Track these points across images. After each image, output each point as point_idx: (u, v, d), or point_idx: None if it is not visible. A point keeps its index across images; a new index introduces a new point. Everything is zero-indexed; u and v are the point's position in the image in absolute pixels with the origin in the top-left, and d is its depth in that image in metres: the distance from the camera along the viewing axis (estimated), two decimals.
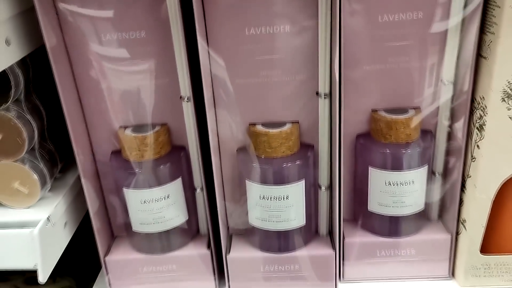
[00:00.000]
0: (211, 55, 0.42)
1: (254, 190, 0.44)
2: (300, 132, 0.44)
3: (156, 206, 0.45)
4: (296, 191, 0.44)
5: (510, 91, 0.38)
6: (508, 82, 0.38)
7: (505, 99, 0.39)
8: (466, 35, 0.40)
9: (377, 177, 0.45)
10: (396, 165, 0.44)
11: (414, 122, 0.43)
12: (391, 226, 0.47)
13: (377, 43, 0.42)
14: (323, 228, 0.48)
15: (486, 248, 0.46)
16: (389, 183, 0.44)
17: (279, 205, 0.44)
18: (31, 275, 0.52)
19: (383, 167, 0.44)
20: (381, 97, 0.44)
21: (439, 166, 0.46)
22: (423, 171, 0.44)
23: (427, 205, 0.47)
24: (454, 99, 0.43)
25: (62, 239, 0.46)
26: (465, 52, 0.40)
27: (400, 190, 0.44)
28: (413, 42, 0.41)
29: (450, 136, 0.45)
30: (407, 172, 0.44)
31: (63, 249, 0.46)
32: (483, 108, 0.40)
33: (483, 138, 0.41)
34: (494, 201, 0.43)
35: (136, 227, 0.47)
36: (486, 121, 0.40)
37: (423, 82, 0.43)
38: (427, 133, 0.45)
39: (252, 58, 0.42)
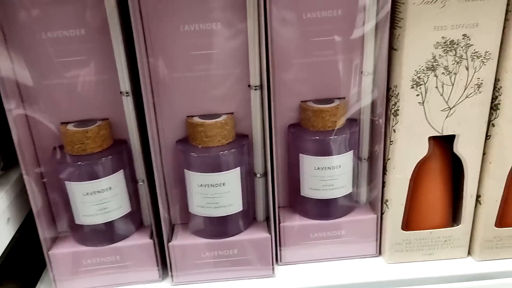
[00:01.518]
0: (148, 50, 0.44)
1: (193, 178, 0.47)
2: (235, 122, 0.47)
3: (98, 197, 0.47)
4: (232, 178, 0.47)
5: (417, 79, 0.43)
6: (416, 71, 0.43)
7: (414, 86, 0.43)
8: (380, 30, 0.44)
9: (307, 163, 0.48)
10: (324, 151, 0.48)
11: (339, 111, 0.47)
12: (323, 209, 0.51)
13: (303, 39, 0.46)
14: (260, 213, 0.52)
15: (409, 225, 0.50)
16: (318, 168, 0.48)
17: (217, 191, 0.47)
18: None
19: (312, 153, 0.48)
20: (310, 89, 0.48)
21: (364, 152, 0.50)
22: (349, 156, 0.49)
23: (356, 189, 0.52)
24: (374, 89, 0.47)
25: (5, 234, 0.47)
26: (381, 45, 0.45)
27: (329, 174, 0.48)
28: (336, 38, 0.46)
29: (373, 123, 0.49)
30: (334, 157, 0.48)
31: (6, 245, 0.47)
32: (397, 95, 0.44)
33: (398, 122, 0.45)
34: (413, 181, 0.48)
35: (79, 219, 0.48)
36: (399, 107, 0.44)
37: (347, 74, 0.48)
38: (352, 121, 0.49)
39: (187, 53, 0.45)
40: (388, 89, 0.46)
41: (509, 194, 0.48)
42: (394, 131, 0.46)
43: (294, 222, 0.51)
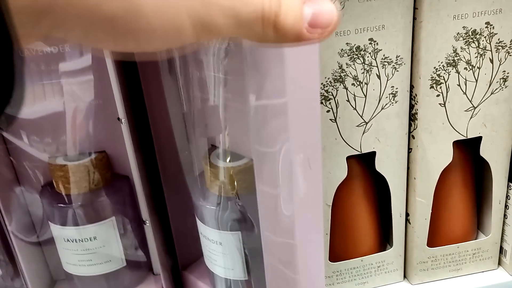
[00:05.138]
0: None
1: (58, 232, 0.39)
2: (111, 162, 0.40)
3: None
4: (106, 229, 0.39)
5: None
6: (322, 84, 0.37)
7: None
8: None
9: None
10: None
11: None
12: None
13: None
14: (156, 265, 0.44)
15: (337, 255, 0.45)
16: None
17: (87, 247, 0.39)
18: None
19: None
20: None
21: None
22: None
23: None
24: None
25: None
26: None
27: None
28: None
29: None
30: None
31: None
32: None
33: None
34: (335, 206, 0.42)
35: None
36: None
37: None
38: None
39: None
40: None
41: (439, 210, 0.44)
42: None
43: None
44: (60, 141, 0.39)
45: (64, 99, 0.38)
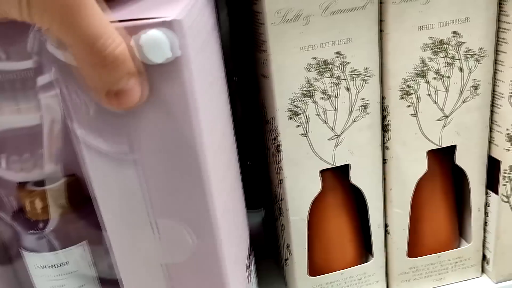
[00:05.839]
0: None
1: (28, 259, 0.38)
2: (80, 185, 0.39)
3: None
4: (79, 253, 0.38)
5: (294, 108, 0.37)
6: (290, 99, 0.37)
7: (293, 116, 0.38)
8: None
9: None
10: None
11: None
12: None
13: None
14: None
15: (318, 269, 0.44)
16: None
17: (61, 272, 0.39)
18: None
19: None
20: None
21: None
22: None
23: None
24: None
25: None
26: None
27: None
28: None
29: None
30: None
31: None
32: (276, 128, 0.39)
33: (283, 159, 0.39)
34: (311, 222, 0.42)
35: None
36: (280, 141, 0.39)
37: None
38: None
39: None
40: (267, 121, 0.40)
41: (418, 220, 0.44)
42: (281, 169, 0.40)
43: None
44: (30, 164, 0.38)
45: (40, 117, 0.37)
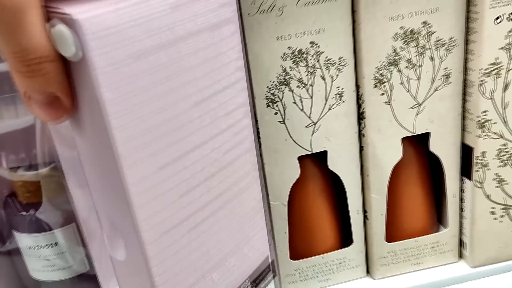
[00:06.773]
0: None
1: (21, 240, 0.40)
2: None
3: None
4: (68, 235, 0.40)
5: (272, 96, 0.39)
6: (268, 88, 0.39)
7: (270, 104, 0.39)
8: None
9: None
10: None
11: None
12: None
13: None
14: None
15: (300, 253, 0.46)
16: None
17: (51, 252, 0.40)
18: None
19: None
20: None
21: None
22: None
23: None
24: None
25: None
26: None
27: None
28: None
29: None
30: None
31: None
32: (254, 115, 0.40)
33: (261, 145, 0.41)
34: (293, 206, 0.44)
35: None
36: (259, 127, 0.40)
37: None
38: None
39: None
40: None
41: (395, 206, 0.45)
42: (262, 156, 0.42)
43: None
44: (21, 152, 0.40)
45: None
